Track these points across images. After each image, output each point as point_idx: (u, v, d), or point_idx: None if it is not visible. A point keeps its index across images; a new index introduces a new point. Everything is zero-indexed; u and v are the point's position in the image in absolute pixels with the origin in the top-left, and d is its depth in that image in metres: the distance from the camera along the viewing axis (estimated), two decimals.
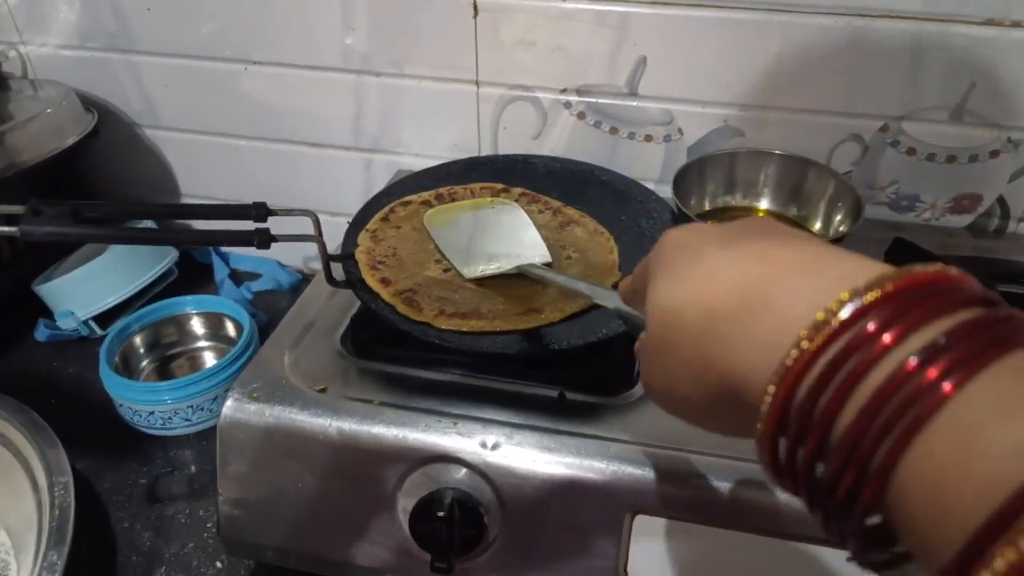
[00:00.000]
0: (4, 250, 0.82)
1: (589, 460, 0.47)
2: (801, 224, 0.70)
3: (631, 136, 0.76)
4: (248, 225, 0.54)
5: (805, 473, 0.23)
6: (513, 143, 0.80)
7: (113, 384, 0.70)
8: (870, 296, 0.22)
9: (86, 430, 0.72)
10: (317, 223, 0.56)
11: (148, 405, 0.69)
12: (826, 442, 0.22)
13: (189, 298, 0.81)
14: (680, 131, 0.75)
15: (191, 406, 0.70)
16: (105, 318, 0.82)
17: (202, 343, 0.82)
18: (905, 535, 0.21)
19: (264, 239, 0.53)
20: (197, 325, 0.82)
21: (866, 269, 0.24)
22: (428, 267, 0.59)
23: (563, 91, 0.75)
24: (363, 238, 0.61)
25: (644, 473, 0.46)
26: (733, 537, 0.46)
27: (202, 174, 0.93)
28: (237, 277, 0.93)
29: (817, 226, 0.69)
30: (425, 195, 0.66)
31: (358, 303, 0.59)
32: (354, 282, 0.56)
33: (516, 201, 0.66)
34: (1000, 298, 0.23)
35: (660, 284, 0.31)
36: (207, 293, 0.83)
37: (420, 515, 0.48)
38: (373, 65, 0.78)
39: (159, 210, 0.88)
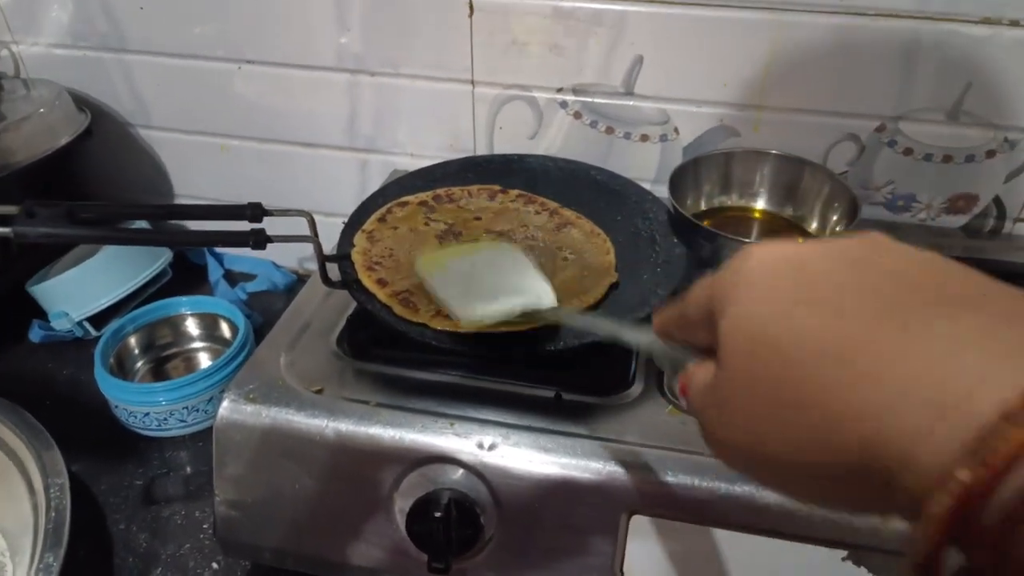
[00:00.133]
0: None
1: (585, 460, 0.47)
2: (798, 224, 0.70)
3: (627, 136, 0.76)
4: (243, 226, 0.54)
5: None
6: (509, 143, 0.80)
7: (108, 385, 0.70)
8: None
9: (81, 432, 0.71)
10: (313, 224, 0.56)
11: (143, 406, 0.69)
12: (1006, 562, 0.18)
13: (184, 299, 0.81)
14: (676, 131, 0.75)
15: (186, 407, 0.70)
16: (99, 319, 0.82)
17: (197, 344, 0.82)
18: None
19: (260, 240, 0.52)
20: (192, 326, 0.81)
21: None
22: None
23: (559, 90, 0.75)
24: (359, 238, 0.60)
25: (640, 473, 0.46)
26: (728, 537, 0.46)
27: (196, 174, 0.93)
28: (232, 278, 0.93)
29: (813, 227, 0.69)
30: (423, 195, 0.66)
31: (354, 304, 0.59)
32: (350, 283, 0.56)
33: (513, 202, 0.66)
34: None
35: (751, 309, 0.25)
36: (201, 294, 0.83)
37: (417, 515, 0.48)
38: (368, 65, 0.78)
39: (154, 211, 0.87)
